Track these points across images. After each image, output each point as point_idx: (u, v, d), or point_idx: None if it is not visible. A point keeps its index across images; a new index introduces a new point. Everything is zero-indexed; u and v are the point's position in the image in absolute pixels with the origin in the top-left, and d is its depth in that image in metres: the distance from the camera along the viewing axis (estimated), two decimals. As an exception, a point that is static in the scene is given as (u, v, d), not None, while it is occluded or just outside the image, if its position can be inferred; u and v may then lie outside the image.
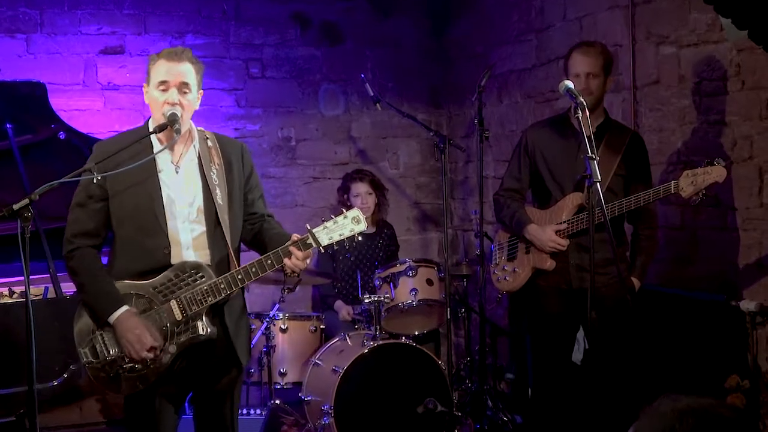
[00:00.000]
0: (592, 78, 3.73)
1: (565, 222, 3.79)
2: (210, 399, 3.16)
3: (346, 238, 2.99)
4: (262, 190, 3.28)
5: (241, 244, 3.23)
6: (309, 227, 2.98)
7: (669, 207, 4.21)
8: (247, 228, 3.20)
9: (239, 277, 2.97)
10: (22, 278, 2.84)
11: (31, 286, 2.77)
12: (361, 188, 5.31)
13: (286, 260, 2.97)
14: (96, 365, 2.98)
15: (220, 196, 3.04)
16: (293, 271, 3.03)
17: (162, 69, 2.99)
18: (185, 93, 3.01)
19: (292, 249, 2.97)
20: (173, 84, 2.98)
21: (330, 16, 5.99)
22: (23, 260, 2.73)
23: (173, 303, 2.97)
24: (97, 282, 2.99)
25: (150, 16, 5.53)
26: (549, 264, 3.85)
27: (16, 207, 2.73)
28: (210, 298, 2.96)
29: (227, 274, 2.98)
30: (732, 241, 3.90)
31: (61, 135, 4.56)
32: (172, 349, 2.97)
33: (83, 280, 3.02)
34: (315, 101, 5.98)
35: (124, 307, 2.95)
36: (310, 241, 2.97)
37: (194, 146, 3.09)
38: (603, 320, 3.40)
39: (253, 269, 2.98)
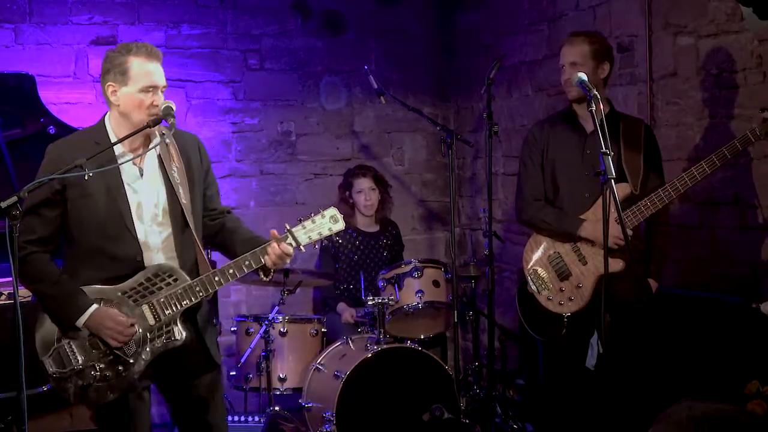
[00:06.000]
0: (577, 67, 3.70)
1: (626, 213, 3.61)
2: (191, 408, 3.17)
3: (324, 237, 3.13)
4: (217, 184, 3.34)
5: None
6: (288, 226, 3.07)
7: (686, 206, 4.21)
8: (207, 224, 3.24)
9: (216, 279, 3.01)
10: (10, 279, 2.85)
11: (19, 288, 2.78)
12: (364, 183, 5.31)
13: (266, 258, 3.03)
14: (63, 375, 2.96)
15: (183, 196, 3.06)
16: (272, 270, 3.10)
17: (148, 69, 2.98)
18: (161, 94, 3.05)
19: (271, 246, 3.04)
20: (161, 88, 3.02)
21: (332, 5, 5.99)
22: (12, 260, 2.74)
23: (145, 308, 2.98)
24: (59, 285, 2.97)
25: (143, 5, 5.53)
26: (621, 264, 3.66)
27: (3, 205, 2.73)
28: (186, 302, 2.98)
29: (203, 276, 3.01)
30: (753, 240, 3.89)
31: (51, 129, 4.58)
32: (146, 355, 2.98)
33: (42, 287, 2.98)
34: (316, 94, 5.98)
35: (94, 306, 2.94)
36: (290, 240, 3.05)
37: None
38: (618, 324, 3.39)
39: (230, 271, 3.02)
